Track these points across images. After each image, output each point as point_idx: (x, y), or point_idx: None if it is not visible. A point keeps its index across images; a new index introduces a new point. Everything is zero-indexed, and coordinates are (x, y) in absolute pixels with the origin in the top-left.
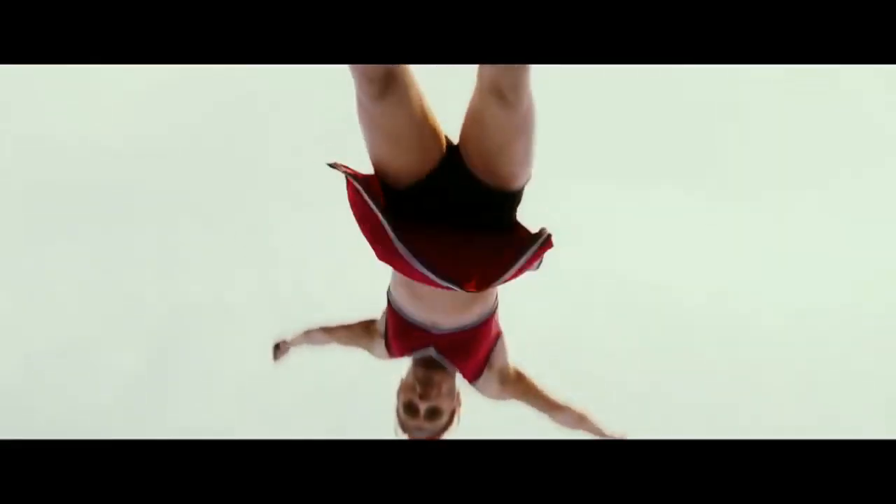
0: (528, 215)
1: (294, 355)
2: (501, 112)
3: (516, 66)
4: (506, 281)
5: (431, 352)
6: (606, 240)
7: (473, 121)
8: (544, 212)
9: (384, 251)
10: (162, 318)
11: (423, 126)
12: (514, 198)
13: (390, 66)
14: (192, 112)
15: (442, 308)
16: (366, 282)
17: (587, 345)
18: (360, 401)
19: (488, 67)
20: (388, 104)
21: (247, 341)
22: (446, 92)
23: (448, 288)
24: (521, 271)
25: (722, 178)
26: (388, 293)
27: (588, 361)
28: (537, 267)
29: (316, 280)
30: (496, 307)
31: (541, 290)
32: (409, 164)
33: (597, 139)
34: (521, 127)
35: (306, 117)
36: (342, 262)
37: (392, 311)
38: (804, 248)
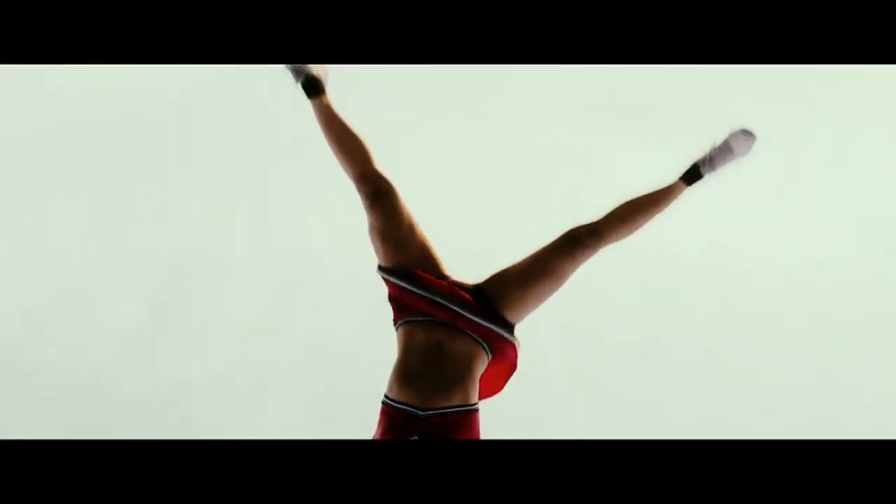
0: (526, 164)
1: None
2: (567, 257)
3: (610, 239)
4: (475, 326)
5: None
6: (603, 191)
7: (537, 256)
8: (547, 162)
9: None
10: (162, 271)
11: (410, 235)
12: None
13: (379, 185)
14: (191, 66)
15: (422, 377)
16: (364, 238)
17: (585, 297)
18: (358, 353)
19: (593, 234)
20: (378, 210)
21: (246, 294)
22: None
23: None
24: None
25: (719, 127)
26: (384, 397)
27: (585, 313)
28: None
29: (315, 234)
30: (476, 409)
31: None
32: (402, 266)
33: (590, 91)
34: (565, 276)
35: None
36: (342, 217)
37: (383, 408)
38: (805, 198)
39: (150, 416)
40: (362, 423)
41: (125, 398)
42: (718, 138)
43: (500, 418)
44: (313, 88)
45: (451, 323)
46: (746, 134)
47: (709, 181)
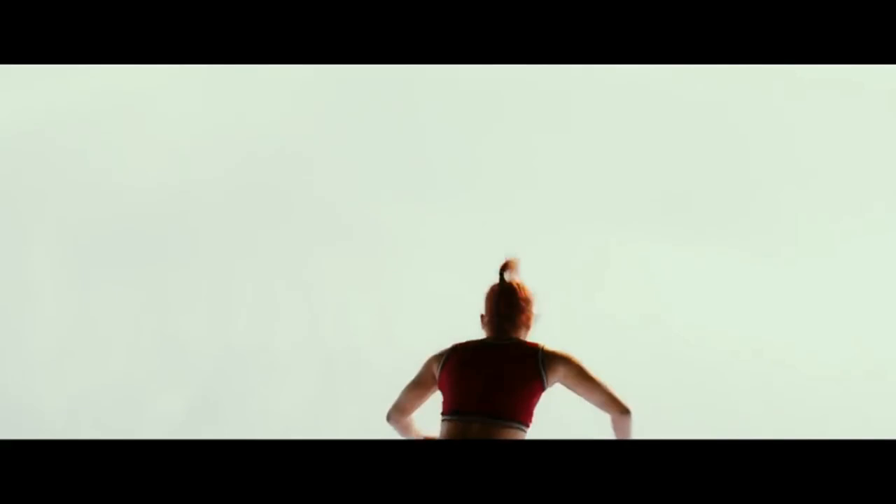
0: (571, 265)
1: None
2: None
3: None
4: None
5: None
6: (649, 295)
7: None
8: (590, 265)
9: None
10: (208, 363)
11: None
12: None
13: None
14: (241, 156)
15: None
16: (412, 334)
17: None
18: None
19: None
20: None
21: (292, 389)
22: None
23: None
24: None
25: (765, 234)
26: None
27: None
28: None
29: (363, 330)
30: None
31: (583, 337)
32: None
33: (636, 197)
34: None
35: (353, 166)
36: (390, 314)
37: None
38: (851, 303)
39: None
40: None
41: None
42: None
43: None
44: None
45: None
46: None
47: None
